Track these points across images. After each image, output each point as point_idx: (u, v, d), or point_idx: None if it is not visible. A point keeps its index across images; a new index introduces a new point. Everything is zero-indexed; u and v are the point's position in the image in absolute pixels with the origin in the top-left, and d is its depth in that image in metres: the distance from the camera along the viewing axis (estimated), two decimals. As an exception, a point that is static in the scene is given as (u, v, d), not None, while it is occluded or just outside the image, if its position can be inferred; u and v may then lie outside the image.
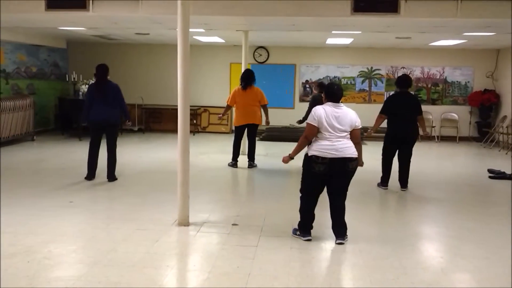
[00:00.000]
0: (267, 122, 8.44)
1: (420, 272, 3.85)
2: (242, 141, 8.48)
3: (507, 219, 5.51)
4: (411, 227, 5.16)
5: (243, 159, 8.43)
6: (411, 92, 6.98)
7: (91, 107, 6.78)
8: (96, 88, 6.81)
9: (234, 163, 8.33)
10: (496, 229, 5.10)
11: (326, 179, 4.43)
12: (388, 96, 6.94)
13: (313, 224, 4.61)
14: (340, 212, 4.52)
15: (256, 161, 8.40)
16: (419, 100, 7.03)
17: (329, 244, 4.50)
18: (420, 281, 3.69)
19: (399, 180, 6.82)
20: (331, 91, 4.48)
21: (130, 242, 4.39)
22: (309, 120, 4.41)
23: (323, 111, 4.37)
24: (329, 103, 4.44)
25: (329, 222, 4.64)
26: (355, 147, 4.41)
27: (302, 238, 4.54)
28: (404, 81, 6.77)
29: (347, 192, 4.54)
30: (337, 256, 4.23)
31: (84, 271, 3.71)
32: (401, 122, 6.59)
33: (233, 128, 8.68)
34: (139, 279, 3.60)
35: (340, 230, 4.51)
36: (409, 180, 6.78)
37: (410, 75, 12.74)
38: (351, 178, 4.48)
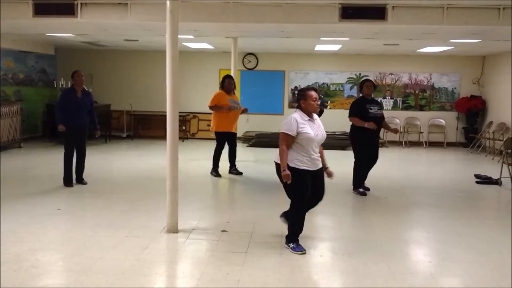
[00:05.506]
0: None
1: (409, 277, 3.87)
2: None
3: (495, 223, 5.58)
4: (400, 232, 5.19)
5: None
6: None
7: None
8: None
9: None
10: (484, 233, 5.15)
11: None
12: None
13: (303, 232, 4.64)
14: None
15: (246, 167, 8.64)
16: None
17: (318, 250, 4.52)
18: (409, 286, 3.71)
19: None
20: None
21: (119, 250, 4.36)
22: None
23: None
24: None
25: (319, 231, 4.63)
26: None
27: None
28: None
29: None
30: (327, 261, 4.24)
31: (72, 279, 3.67)
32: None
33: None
34: (128, 286, 3.57)
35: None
36: (400, 185, 6.82)
37: (398, 81, 12.98)
38: None
